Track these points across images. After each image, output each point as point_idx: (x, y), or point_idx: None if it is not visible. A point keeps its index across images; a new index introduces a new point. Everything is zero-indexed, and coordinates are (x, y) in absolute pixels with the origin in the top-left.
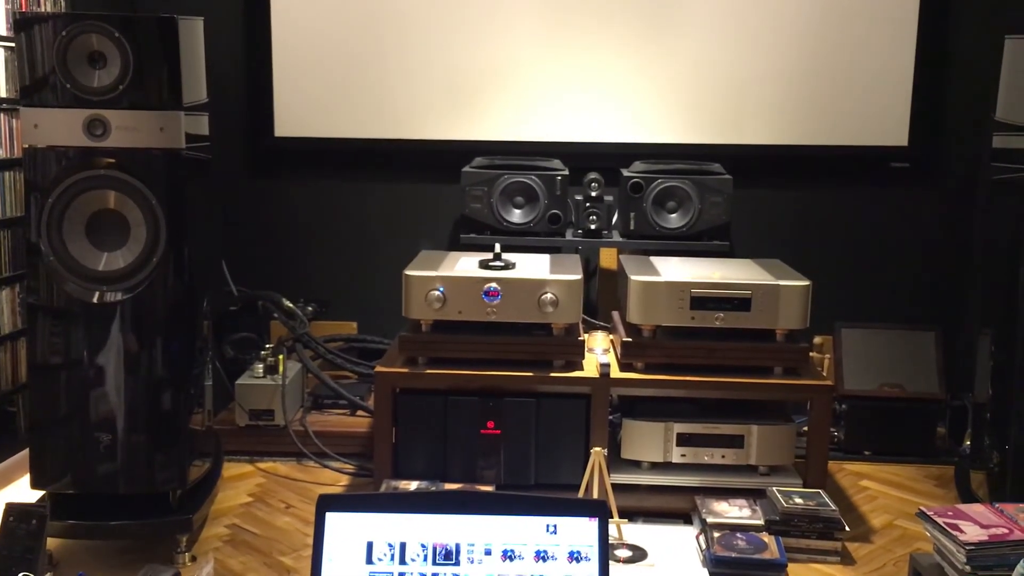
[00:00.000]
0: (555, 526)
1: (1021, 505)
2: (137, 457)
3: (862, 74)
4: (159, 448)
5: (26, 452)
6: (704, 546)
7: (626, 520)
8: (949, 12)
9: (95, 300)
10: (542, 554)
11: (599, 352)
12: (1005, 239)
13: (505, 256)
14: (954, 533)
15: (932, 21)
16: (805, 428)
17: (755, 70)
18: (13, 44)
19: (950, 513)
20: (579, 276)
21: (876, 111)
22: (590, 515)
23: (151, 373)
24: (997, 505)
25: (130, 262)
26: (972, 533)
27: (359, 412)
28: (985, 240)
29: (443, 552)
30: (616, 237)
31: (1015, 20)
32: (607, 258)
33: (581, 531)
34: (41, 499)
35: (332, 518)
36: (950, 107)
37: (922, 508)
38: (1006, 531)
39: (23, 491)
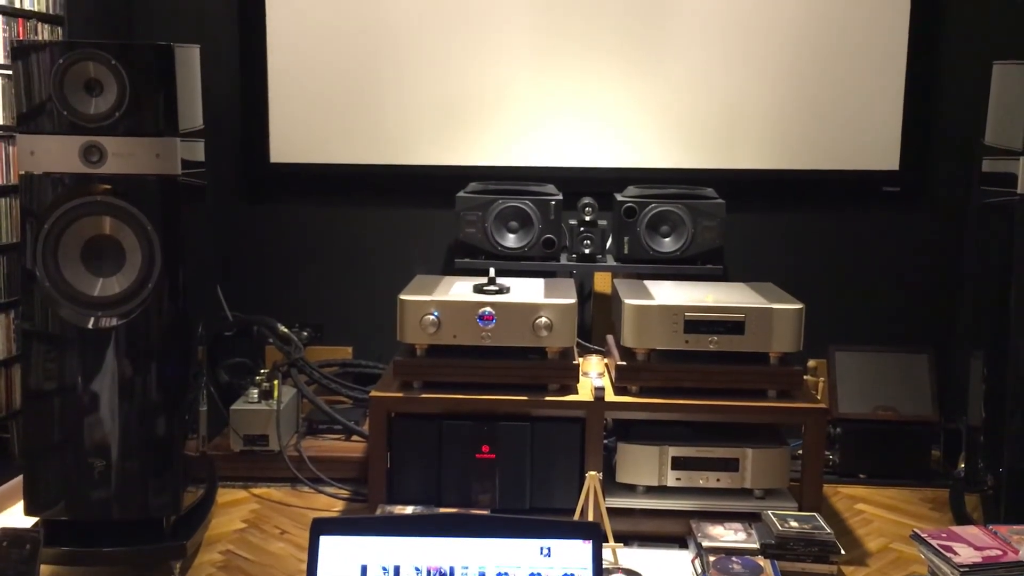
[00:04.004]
0: (549, 548)
1: (1015, 527)
2: (131, 483)
3: (853, 99)
4: (153, 474)
5: (20, 478)
6: (699, 570)
7: (621, 544)
8: (938, 38)
9: (90, 325)
10: None
11: (594, 376)
12: (995, 262)
13: (499, 280)
14: (948, 555)
15: (921, 47)
16: (800, 451)
17: (747, 95)
18: (10, 72)
19: (944, 535)
20: (573, 300)
21: (867, 136)
22: (584, 537)
23: (145, 398)
24: (991, 527)
25: (125, 288)
26: (966, 555)
27: (354, 437)
28: (975, 263)
29: (437, 575)
30: (610, 261)
31: (1003, 45)
32: (601, 282)
33: (575, 553)
34: (35, 525)
35: (326, 541)
36: (940, 132)
37: (916, 530)
38: (1000, 553)
39: (17, 517)
